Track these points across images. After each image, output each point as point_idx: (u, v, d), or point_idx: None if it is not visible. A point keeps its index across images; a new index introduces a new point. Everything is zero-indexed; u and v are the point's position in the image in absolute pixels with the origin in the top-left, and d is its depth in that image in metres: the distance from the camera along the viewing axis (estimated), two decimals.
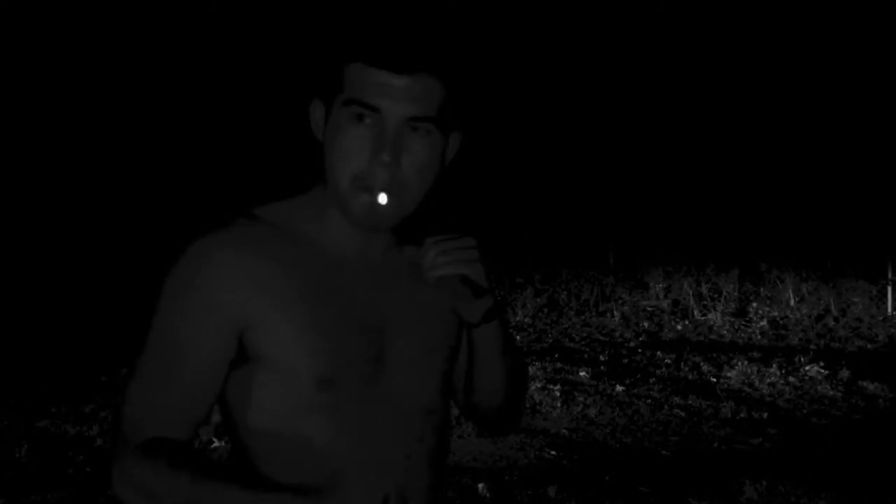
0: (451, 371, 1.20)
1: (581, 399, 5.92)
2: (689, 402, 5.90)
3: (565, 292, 11.17)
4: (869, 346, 8.58)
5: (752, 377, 6.68)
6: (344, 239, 1.11)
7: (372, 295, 1.12)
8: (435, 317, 1.16)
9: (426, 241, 1.09)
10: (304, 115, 1.13)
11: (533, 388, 5.92)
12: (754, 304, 10.62)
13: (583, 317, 10.73)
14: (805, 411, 5.76)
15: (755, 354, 7.71)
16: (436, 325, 1.17)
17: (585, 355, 7.93)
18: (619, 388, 6.32)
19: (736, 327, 9.73)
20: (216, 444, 4.93)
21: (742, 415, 5.56)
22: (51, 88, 10.49)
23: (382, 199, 1.04)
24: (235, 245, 1.07)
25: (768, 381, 6.57)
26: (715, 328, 9.70)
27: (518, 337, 8.82)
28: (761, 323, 9.78)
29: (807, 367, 6.85)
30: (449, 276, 1.07)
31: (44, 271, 9.42)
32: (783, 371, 6.79)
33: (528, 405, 5.41)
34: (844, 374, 6.66)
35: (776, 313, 10.33)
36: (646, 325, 9.97)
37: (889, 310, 10.35)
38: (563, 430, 5.19)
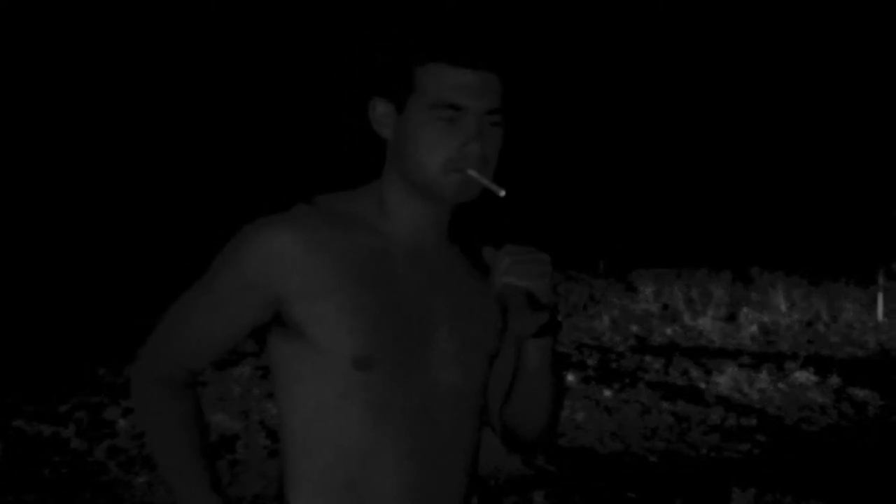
0: (488, 374, 1.25)
1: (569, 404, 5.87)
2: (678, 407, 5.88)
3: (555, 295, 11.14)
4: (859, 352, 8.58)
5: (742, 383, 6.66)
6: (401, 229, 1.19)
7: (420, 286, 1.18)
8: (479, 317, 1.23)
9: (505, 246, 1.16)
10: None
11: None
12: (745, 310, 10.60)
13: (571, 320, 10.69)
14: (794, 418, 5.75)
15: (745, 360, 7.69)
16: (479, 325, 1.23)
17: (574, 359, 7.89)
18: (607, 392, 6.28)
19: (726, 332, 9.71)
20: None
21: (731, 421, 5.54)
22: (50, 88, 10.43)
23: (475, 173, 1.14)
24: (281, 227, 1.14)
25: (758, 386, 6.55)
26: (705, 333, 9.68)
27: None
28: (751, 328, 9.76)
29: (796, 374, 6.84)
30: (515, 286, 1.13)
31: (21, 272, 9.33)
32: (773, 377, 6.78)
33: None
34: (834, 380, 6.65)
35: (766, 319, 10.31)
36: (635, 329, 9.93)
37: (879, 316, 10.35)
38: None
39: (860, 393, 6.33)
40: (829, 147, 13.71)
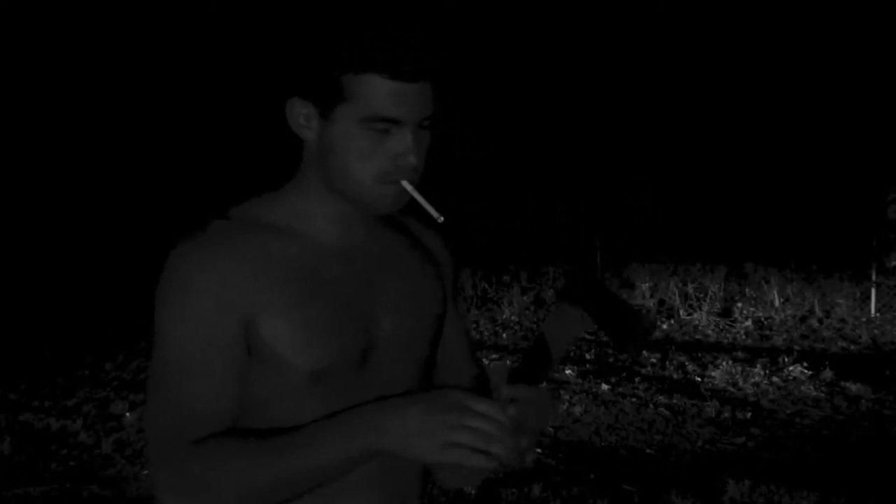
0: (435, 354, 1.23)
1: (566, 397, 5.93)
2: (674, 401, 5.92)
3: (552, 290, 11.19)
4: (852, 347, 8.63)
5: (737, 377, 6.70)
6: (328, 230, 1.14)
7: (358, 282, 1.14)
8: (418, 301, 1.20)
9: (502, 390, 1.09)
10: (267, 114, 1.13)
11: None
12: (739, 305, 10.67)
13: None
14: (788, 411, 5.79)
15: (739, 354, 7.74)
16: (419, 310, 1.20)
17: (571, 354, 7.94)
18: (604, 386, 6.33)
19: (721, 327, 9.77)
20: None
21: (726, 414, 5.58)
22: (49, 87, 10.41)
23: (409, 186, 1.10)
24: (222, 245, 1.07)
25: (752, 380, 6.60)
26: (700, 328, 9.74)
27: (504, 335, 8.84)
28: (746, 323, 9.82)
29: (790, 368, 6.89)
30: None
31: (26, 267, 9.35)
32: (767, 371, 6.82)
33: None
34: (828, 374, 6.70)
35: (761, 314, 10.38)
36: None
37: (872, 311, 10.42)
38: (549, 429, 5.20)
39: (853, 387, 6.38)
40: (822, 143, 13.76)
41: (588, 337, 9.18)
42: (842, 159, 13.41)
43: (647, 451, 4.82)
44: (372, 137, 1.07)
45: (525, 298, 10.76)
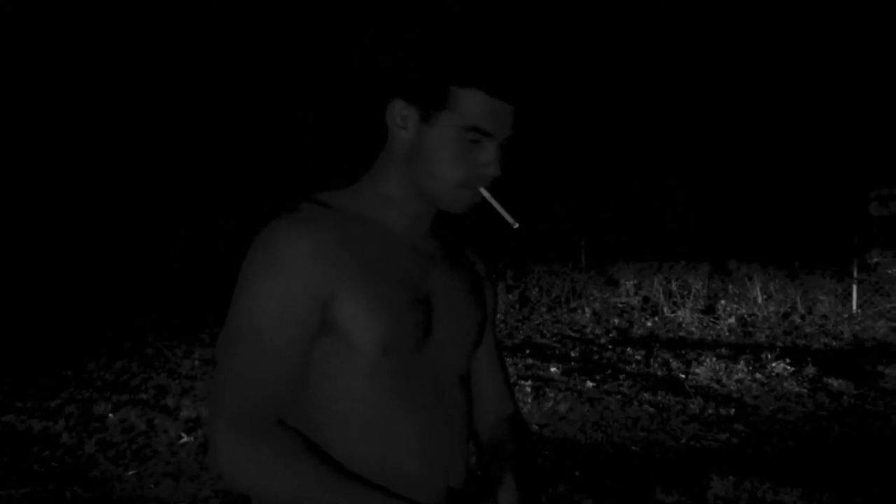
0: (479, 343, 1.36)
1: (552, 395, 5.94)
2: (658, 398, 5.95)
3: (537, 289, 11.21)
4: (834, 343, 8.70)
5: (720, 374, 6.74)
6: (399, 221, 1.26)
7: (420, 272, 1.26)
8: (468, 293, 1.32)
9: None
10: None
11: None
12: (723, 302, 10.73)
13: (554, 313, 10.77)
14: (771, 407, 5.83)
15: (723, 351, 7.78)
16: (469, 310, 1.32)
17: (556, 351, 7.96)
18: (589, 384, 6.35)
19: (705, 324, 9.83)
20: (185, 438, 4.89)
21: (710, 411, 5.61)
22: (50, 87, 10.33)
23: (486, 193, 1.23)
24: (312, 225, 1.17)
25: (736, 377, 6.64)
26: (684, 325, 9.79)
27: None
28: (729, 320, 9.88)
29: (773, 364, 6.93)
30: None
31: (8, 268, 9.26)
32: (750, 368, 6.87)
33: None
34: (810, 370, 6.75)
35: (744, 311, 10.44)
36: (616, 321, 10.03)
37: (854, 308, 10.51)
38: (534, 426, 5.21)
39: (835, 383, 6.43)
40: (805, 142, 13.85)
41: (572, 335, 9.20)
42: (824, 157, 13.50)
43: (632, 447, 4.84)
44: (464, 146, 1.20)
45: (510, 297, 10.78)
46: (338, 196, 1.26)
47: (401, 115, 1.22)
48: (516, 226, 1.23)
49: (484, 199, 1.24)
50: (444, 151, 1.21)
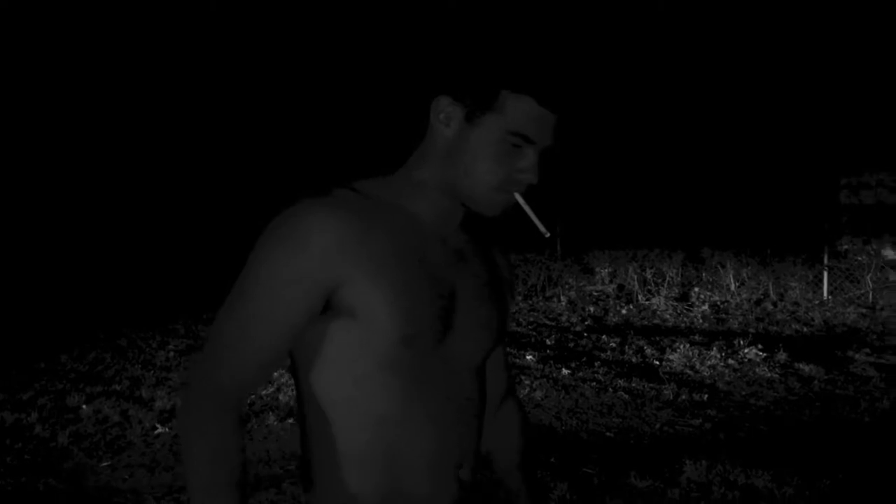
0: (499, 343, 1.36)
1: (528, 382, 5.98)
2: (633, 384, 6.00)
3: (519, 283, 11.24)
4: (805, 329, 8.82)
5: (694, 360, 6.81)
6: (429, 214, 1.26)
7: (447, 266, 1.26)
8: (492, 292, 1.33)
9: None
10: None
11: None
12: (696, 289, 10.83)
13: (530, 302, 10.82)
14: (744, 393, 5.90)
15: (697, 338, 7.86)
16: (493, 299, 1.33)
17: (532, 339, 8.00)
18: (564, 371, 6.39)
19: (678, 311, 9.91)
20: (159, 429, 4.86)
21: (683, 397, 5.67)
22: (50, 87, 10.17)
23: (520, 199, 1.24)
24: (335, 208, 1.16)
25: (709, 363, 6.71)
26: (658, 312, 9.87)
27: None
28: (703, 307, 9.98)
29: (746, 350, 7.02)
30: None
31: None
32: (723, 354, 6.94)
33: None
34: (782, 356, 6.84)
35: (717, 298, 10.55)
36: (591, 309, 10.09)
37: (825, 294, 10.65)
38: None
39: (806, 368, 6.52)
40: (776, 132, 13.99)
41: (548, 323, 9.25)
42: (795, 147, 13.64)
43: (607, 433, 4.88)
44: (506, 149, 1.20)
45: None
46: (372, 184, 1.26)
47: (445, 112, 1.22)
48: (548, 234, 1.25)
49: (516, 204, 1.24)
50: (486, 152, 1.21)
